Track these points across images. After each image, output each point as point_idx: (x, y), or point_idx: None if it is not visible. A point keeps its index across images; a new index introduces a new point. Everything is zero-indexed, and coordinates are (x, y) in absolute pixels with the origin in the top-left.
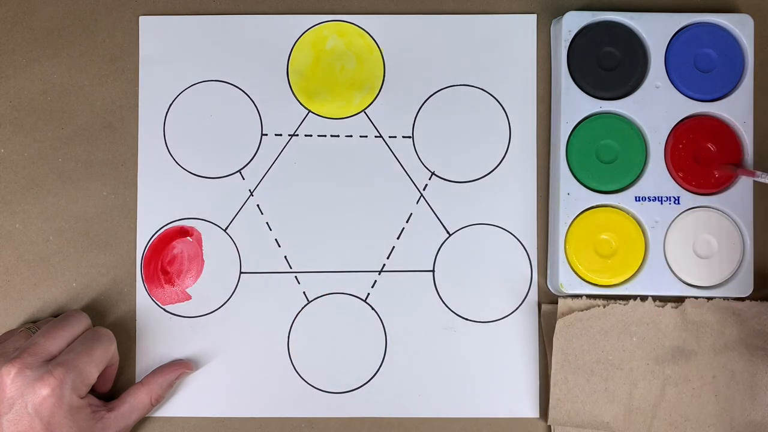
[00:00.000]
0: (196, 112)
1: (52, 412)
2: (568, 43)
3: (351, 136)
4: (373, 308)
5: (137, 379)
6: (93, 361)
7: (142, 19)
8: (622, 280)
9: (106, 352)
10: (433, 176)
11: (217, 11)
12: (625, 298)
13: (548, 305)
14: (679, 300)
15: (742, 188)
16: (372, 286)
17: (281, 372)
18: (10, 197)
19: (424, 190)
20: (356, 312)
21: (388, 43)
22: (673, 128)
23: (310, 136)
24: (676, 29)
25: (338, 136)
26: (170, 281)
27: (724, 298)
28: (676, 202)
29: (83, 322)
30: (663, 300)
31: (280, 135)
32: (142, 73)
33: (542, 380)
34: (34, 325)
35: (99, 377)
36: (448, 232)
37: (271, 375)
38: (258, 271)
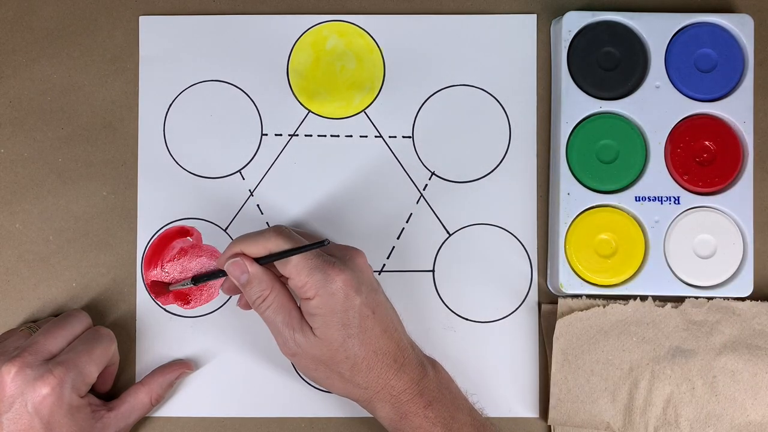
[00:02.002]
0: (196, 112)
1: (51, 411)
2: (568, 43)
3: (351, 136)
4: None
5: (137, 379)
6: (93, 361)
7: (142, 19)
8: (622, 280)
9: (106, 351)
10: (433, 176)
11: (217, 11)
12: (625, 298)
13: (548, 305)
14: (679, 300)
15: (742, 188)
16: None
17: (281, 372)
18: (10, 197)
19: (424, 190)
20: None
21: (388, 43)
22: (673, 128)
23: (310, 136)
24: (676, 29)
25: (338, 136)
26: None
27: (724, 298)
28: (676, 202)
29: (84, 321)
30: (663, 300)
31: (280, 135)
32: (142, 73)
33: (542, 380)
34: (34, 325)
35: (99, 377)
36: (448, 232)
37: (271, 375)
38: None
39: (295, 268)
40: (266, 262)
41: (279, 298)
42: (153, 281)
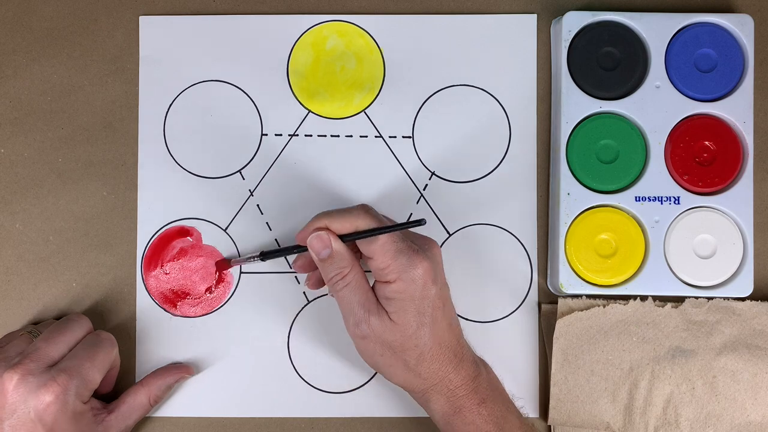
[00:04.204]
0: (196, 112)
1: (55, 418)
2: (568, 43)
3: (351, 136)
4: None
5: (137, 379)
6: (95, 367)
7: (142, 19)
8: (622, 280)
9: (108, 356)
10: (433, 176)
11: (217, 11)
12: (625, 298)
13: (548, 305)
14: (679, 300)
15: (742, 188)
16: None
17: (281, 372)
18: (10, 197)
19: (424, 190)
20: None
21: (388, 43)
22: (673, 128)
23: (310, 136)
24: (676, 29)
25: (338, 136)
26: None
27: (724, 298)
28: (676, 202)
29: (85, 326)
30: (663, 300)
31: (280, 135)
32: (142, 73)
33: (542, 380)
34: (35, 328)
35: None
36: (448, 232)
37: (271, 375)
38: (258, 271)
39: (381, 248)
40: (350, 239)
41: (357, 278)
42: (220, 260)
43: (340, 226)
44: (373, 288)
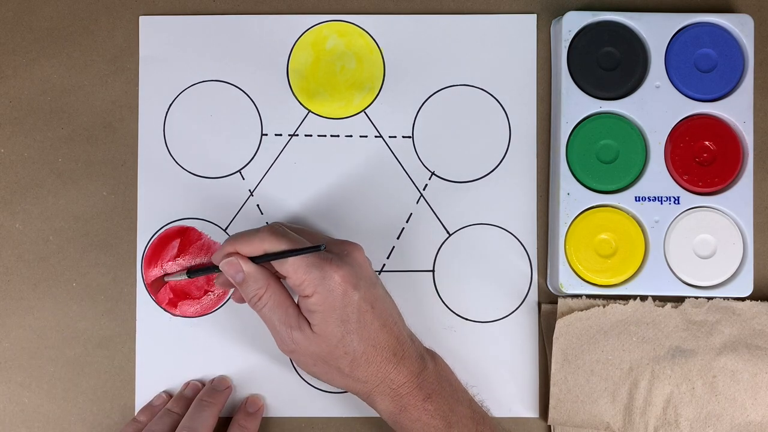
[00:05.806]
0: (196, 112)
1: None
2: (568, 43)
3: (351, 136)
4: None
5: (137, 377)
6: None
7: (142, 19)
8: (622, 280)
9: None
10: (433, 176)
11: (217, 11)
12: (625, 298)
13: (548, 305)
14: (679, 300)
15: (742, 188)
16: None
17: (281, 372)
18: (10, 197)
19: (424, 190)
20: None
21: (388, 43)
22: (673, 128)
23: (310, 136)
24: (676, 29)
25: (338, 136)
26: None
27: (724, 298)
28: (676, 202)
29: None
30: (663, 300)
31: (280, 135)
32: (142, 73)
33: (542, 380)
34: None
35: None
36: (448, 232)
37: (271, 375)
38: None
39: (291, 266)
40: (260, 261)
41: (275, 297)
42: (153, 280)
43: (249, 249)
44: (297, 302)
